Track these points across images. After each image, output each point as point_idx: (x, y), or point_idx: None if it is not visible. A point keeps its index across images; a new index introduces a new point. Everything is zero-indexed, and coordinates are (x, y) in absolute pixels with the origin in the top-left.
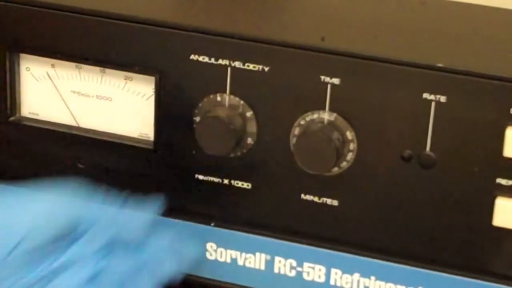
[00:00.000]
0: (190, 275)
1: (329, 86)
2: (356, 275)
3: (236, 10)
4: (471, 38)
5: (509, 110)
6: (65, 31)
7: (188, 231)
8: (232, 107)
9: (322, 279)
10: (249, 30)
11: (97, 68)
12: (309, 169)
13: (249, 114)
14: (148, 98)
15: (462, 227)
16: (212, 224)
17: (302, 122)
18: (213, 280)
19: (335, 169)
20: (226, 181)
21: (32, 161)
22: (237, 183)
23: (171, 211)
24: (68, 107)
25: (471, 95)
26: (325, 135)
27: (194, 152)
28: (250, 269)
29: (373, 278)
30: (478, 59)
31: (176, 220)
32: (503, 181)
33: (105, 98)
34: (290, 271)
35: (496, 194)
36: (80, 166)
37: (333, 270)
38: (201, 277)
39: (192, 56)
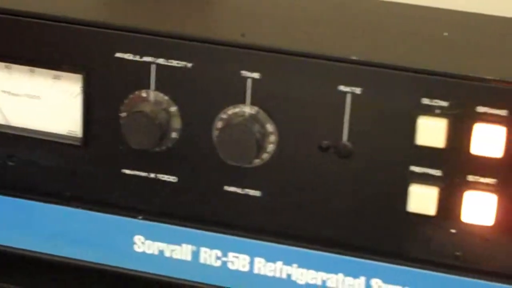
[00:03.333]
0: (118, 268)
1: (249, 80)
2: (279, 263)
3: (159, 8)
4: (384, 32)
5: (420, 100)
6: None
7: (116, 225)
8: (157, 102)
9: (247, 268)
10: (172, 27)
11: (26, 68)
12: (231, 161)
13: (173, 109)
14: (76, 96)
15: (378, 213)
16: (140, 217)
17: (224, 116)
18: (141, 272)
19: (257, 161)
20: (152, 175)
21: None
22: (163, 177)
23: (99, 205)
24: None
25: (384, 87)
26: (246, 128)
27: (120, 147)
28: (177, 260)
29: (295, 265)
30: (391, 52)
31: (104, 214)
32: (416, 169)
33: (34, 97)
34: (216, 261)
35: (410, 181)
36: (10, 163)
37: (256, 259)
38: (129, 269)
39: (117, 54)
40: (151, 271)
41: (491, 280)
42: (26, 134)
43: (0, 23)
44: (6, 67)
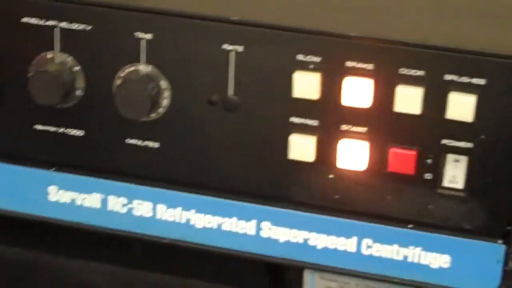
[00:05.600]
0: (34, 215)
1: (143, 41)
2: (179, 209)
3: None
4: None
5: (295, 57)
6: None
7: (30, 176)
8: (61, 63)
9: (150, 214)
10: None
11: None
12: (128, 115)
13: (77, 69)
14: None
15: (263, 161)
16: (53, 169)
17: (122, 74)
18: (55, 220)
19: (153, 115)
20: (61, 130)
21: None
22: (71, 131)
23: (15, 158)
24: None
25: (264, 44)
26: (140, 84)
27: (30, 104)
28: (87, 208)
29: (193, 211)
30: (270, 12)
31: (20, 167)
32: (295, 120)
33: None
34: (122, 208)
35: (290, 131)
36: None
37: (158, 205)
38: (44, 217)
39: (23, 19)
40: (64, 219)
41: (366, 221)
42: None
43: None
44: None
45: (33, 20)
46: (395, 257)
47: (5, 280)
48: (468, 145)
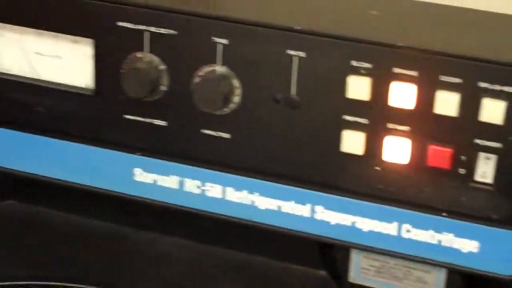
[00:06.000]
0: (122, 193)
1: (220, 45)
2: (245, 192)
3: None
4: (325, 8)
5: (349, 62)
6: (30, 5)
7: (119, 159)
8: (149, 62)
9: (220, 195)
10: (160, 1)
11: (52, 34)
12: (204, 109)
13: (162, 67)
14: (90, 56)
15: (319, 153)
16: (138, 153)
17: (201, 73)
18: (139, 197)
19: (226, 109)
20: (148, 120)
21: (4, 107)
22: (156, 121)
23: (106, 143)
24: (32, 64)
25: (323, 51)
26: (216, 83)
27: (122, 97)
28: (166, 188)
29: (257, 194)
30: (328, 23)
31: (111, 150)
32: (348, 117)
33: (58, 57)
34: (196, 189)
35: (343, 127)
36: (41, 110)
37: (228, 188)
38: (130, 195)
39: (119, 23)
40: (147, 197)
41: (406, 208)
42: (52, 86)
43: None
44: (38, 33)
45: (127, 24)
46: (430, 241)
47: (82, 248)
48: (498, 145)
